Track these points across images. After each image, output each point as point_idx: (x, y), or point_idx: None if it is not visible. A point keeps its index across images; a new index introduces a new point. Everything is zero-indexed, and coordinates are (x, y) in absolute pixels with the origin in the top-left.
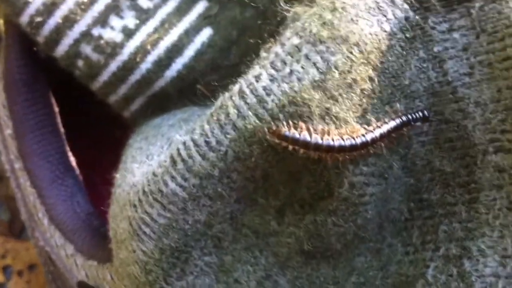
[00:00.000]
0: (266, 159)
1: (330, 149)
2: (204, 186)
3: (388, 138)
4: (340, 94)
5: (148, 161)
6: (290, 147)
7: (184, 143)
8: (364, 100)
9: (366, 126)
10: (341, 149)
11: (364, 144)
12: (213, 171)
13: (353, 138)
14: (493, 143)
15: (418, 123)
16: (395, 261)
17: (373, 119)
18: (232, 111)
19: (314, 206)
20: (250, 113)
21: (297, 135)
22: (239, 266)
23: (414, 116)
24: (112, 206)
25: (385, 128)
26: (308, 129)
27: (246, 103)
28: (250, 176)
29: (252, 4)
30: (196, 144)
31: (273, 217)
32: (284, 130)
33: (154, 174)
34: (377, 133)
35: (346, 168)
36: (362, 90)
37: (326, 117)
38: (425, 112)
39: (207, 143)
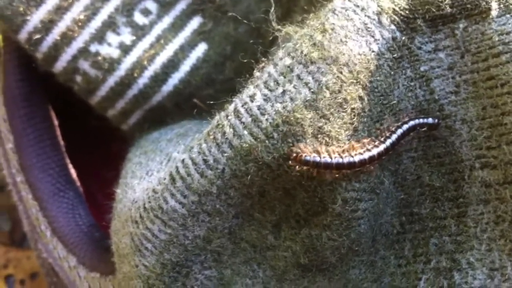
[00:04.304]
0: (261, 176)
1: (352, 165)
2: (203, 203)
3: (398, 145)
4: (332, 113)
5: (147, 177)
6: (311, 170)
7: (183, 161)
8: (355, 119)
9: (375, 138)
10: (362, 163)
11: (381, 154)
12: (211, 188)
13: (369, 150)
14: (479, 159)
15: (425, 129)
16: (388, 273)
17: (381, 128)
18: (228, 130)
19: (309, 221)
20: (245, 132)
21: (317, 158)
22: (238, 280)
23: (422, 121)
24: (114, 221)
25: (394, 137)
26: (317, 151)
27: (241, 122)
28: (247, 193)
29: (245, 21)
30: (194, 162)
31: (270, 231)
32: (304, 155)
33: (154, 191)
34: (388, 143)
35: (339, 185)
36: (352, 109)
37: (319, 136)
38: (434, 119)
39: (205, 161)
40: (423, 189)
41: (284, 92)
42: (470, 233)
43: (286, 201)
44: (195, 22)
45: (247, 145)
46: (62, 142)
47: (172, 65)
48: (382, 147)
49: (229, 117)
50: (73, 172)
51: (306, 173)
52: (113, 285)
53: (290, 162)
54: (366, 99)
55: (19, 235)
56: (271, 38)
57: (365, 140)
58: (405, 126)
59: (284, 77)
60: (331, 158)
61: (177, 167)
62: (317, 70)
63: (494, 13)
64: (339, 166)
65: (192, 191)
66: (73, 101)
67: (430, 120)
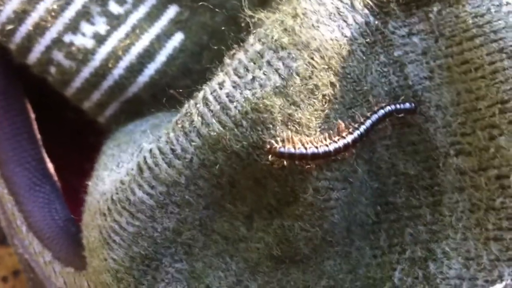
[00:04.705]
0: (231, 165)
1: (327, 154)
2: (171, 194)
3: (373, 132)
4: (302, 100)
5: (118, 168)
6: (286, 162)
7: (150, 151)
8: (326, 106)
9: (348, 124)
10: (337, 151)
11: (356, 141)
12: (179, 178)
13: (343, 137)
14: (454, 146)
15: (402, 115)
16: (364, 264)
17: (358, 114)
18: (196, 119)
19: (281, 211)
20: (213, 120)
21: (292, 150)
22: (210, 272)
23: (399, 107)
24: (85, 214)
25: (368, 122)
26: (293, 142)
27: (210, 110)
28: (217, 183)
29: (222, 10)
30: (162, 152)
31: (242, 222)
32: (279, 147)
33: (121, 182)
34: (362, 129)
35: (310, 174)
36: (324, 95)
37: (289, 123)
38: (411, 104)
39: (173, 150)
40: (398, 177)
41: (253, 78)
42: (445, 222)
43: (257, 191)
44: (171, 11)
45: (215, 133)
46: (38, 136)
47: (148, 55)
48: (356, 133)
49: (198, 105)
50: (50, 166)
51: (276, 161)
52: (87, 280)
53: (264, 154)
54: (338, 85)
55: (1, 231)
56: (247, 26)
57: (339, 127)
58: (381, 112)
59: (254, 63)
60: (306, 148)
61: (144, 157)
62: (287, 56)
63: None
64: (315, 157)
65: (160, 182)
66: (49, 93)
67: (407, 105)
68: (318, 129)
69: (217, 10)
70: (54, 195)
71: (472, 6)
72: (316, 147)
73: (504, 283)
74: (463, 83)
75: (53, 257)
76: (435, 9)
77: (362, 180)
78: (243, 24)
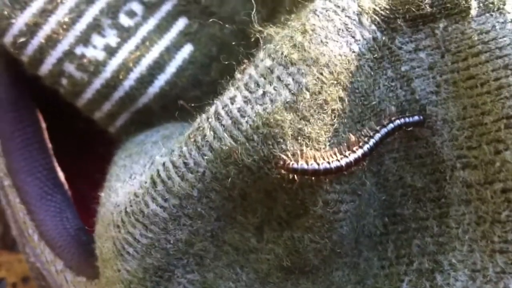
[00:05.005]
0: (242, 179)
1: (339, 170)
2: (184, 206)
3: (382, 145)
4: (312, 115)
5: (130, 180)
6: (298, 177)
7: (164, 164)
8: (335, 120)
9: (358, 138)
10: (348, 166)
11: (366, 154)
12: (192, 191)
13: (353, 152)
14: (460, 159)
15: (411, 128)
16: (372, 275)
17: (366, 128)
18: (209, 133)
19: (291, 223)
20: (225, 134)
21: (305, 166)
22: (221, 283)
23: (407, 120)
24: (97, 225)
25: (378, 136)
26: (306, 157)
27: (221, 124)
28: (228, 196)
29: (232, 25)
30: (175, 166)
31: (252, 234)
32: (292, 163)
33: (135, 195)
34: (371, 143)
35: (320, 187)
36: (333, 110)
37: (299, 138)
38: (420, 117)
39: (186, 164)
40: (405, 190)
41: (264, 93)
42: (452, 234)
43: (267, 203)
44: (180, 23)
45: (227, 147)
46: (49, 145)
47: (158, 66)
48: (366, 147)
49: (210, 120)
50: (61, 175)
51: (286, 176)
52: None
53: (277, 170)
54: (346, 100)
55: (10, 238)
56: (255, 39)
57: (350, 141)
58: (390, 126)
59: (265, 78)
60: (318, 164)
61: (158, 170)
62: (297, 71)
63: (473, 12)
64: (327, 172)
65: (173, 195)
66: (60, 103)
67: (416, 118)
68: (328, 143)
69: (226, 22)
70: (65, 204)
71: (477, 23)
72: (328, 163)
73: None
74: (469, 98)
75: (65, 266)
76: (441, 25)
77: (370, 192)
78: (252, 38)
